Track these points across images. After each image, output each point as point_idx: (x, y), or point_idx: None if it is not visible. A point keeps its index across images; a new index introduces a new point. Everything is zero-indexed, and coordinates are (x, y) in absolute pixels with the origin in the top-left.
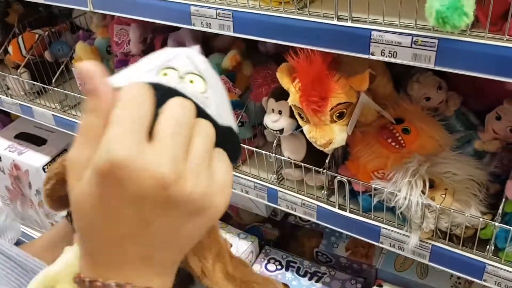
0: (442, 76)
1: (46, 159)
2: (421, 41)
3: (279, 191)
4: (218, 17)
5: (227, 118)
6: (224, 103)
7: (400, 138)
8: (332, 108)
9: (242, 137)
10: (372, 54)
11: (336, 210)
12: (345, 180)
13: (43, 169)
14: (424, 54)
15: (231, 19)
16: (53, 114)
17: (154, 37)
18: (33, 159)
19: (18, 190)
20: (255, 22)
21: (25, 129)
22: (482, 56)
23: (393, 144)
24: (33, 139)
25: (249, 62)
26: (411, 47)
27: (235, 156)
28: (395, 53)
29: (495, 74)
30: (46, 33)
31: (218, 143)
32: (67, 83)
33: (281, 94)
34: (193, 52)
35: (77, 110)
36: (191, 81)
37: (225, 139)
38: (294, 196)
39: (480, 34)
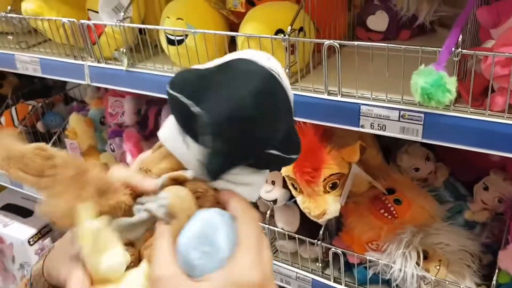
0: (430, 147)
1: (31, 231)
2: (408, 115)
3: (273, 264)
4: None
5: None
6: None
7: (392, 208)
8: (325, 179)
9: None
10: (362, 127)
11: (331, 283)
12: (340, 252)
13: (28, 242)
14: (411, 127)
15: None
16: None
17: (148, 109)
18: (19, 232)
19: (0, 264)
20: None
21: (12, 200)
22: (466, 130)
23: (386, 215)
24: (19, 211)
25: None
26: (399, 120)
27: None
28: (384, 126)
29: (479, 146)
30: (40, 104)
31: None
32: None
33: None
34: None
35: None
36: None
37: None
38: (288, 269)
39: (463, 109)
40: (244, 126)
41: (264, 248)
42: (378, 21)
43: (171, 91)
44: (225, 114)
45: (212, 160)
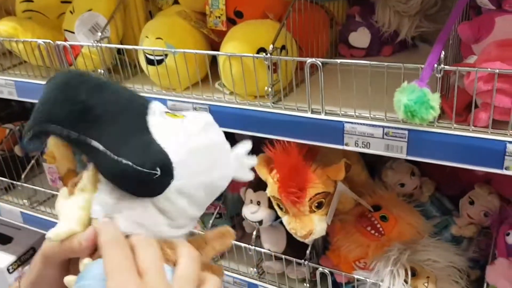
0: (415, 162)
1: (11, 259)
2: (392, 132)
3: (260, 285)
4: (194, 111)
5: None
6: None
7: (379, 225)
8: (310, 198)
9: None
10: (346, 145)
11: None
12: (327, 272)
13: (8, 270)
14: (396, 144)
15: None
16: (21, 211)
17: None
18: None
19: None
20: (232, 115)
21: None
22: (450, 146)
23: (373, 232)
24: None
25: None
26: (383, 138)
27: None
28: (368, 143)
29: (464, 162)
30: (17, 127)
31: None
32: (37, 178)
33: (259, 185)
34: None
35: (47, 206)
36: None
37: None
38: None
39: (447, 125)
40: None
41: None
42: (360, 37)
43: None
44: None
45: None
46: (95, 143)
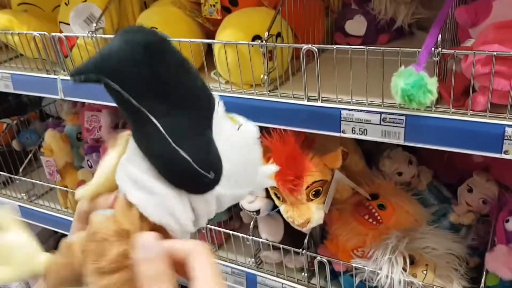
0: (412, 151)
1: None
2: (390, 118)
3: (258, 275)
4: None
5: None
6: None
7: (376, 214)
8: (308, 187)
9: (217, 220)
10: (343, 132)
11: None
12: (325, 261)
13: None
14: (393, 130)
15: None
16: (19, 205)
17: (126, 123)
18: None
19: None
20: (228, 104)
21: None
22: (448, 131)
23: (370, 220)
24: None
25: None
26: (380, 124)
27: None
28: (365, 130)
29: (462, 147)
30: (15, 122)
31: None
32: (35, 172)
33: None
34: None
35: (45, 199)
36: None
37: None
38: (274, 281)
39: (445, 110)
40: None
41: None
42: (356, 25)
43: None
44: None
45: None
46: (156, 122)
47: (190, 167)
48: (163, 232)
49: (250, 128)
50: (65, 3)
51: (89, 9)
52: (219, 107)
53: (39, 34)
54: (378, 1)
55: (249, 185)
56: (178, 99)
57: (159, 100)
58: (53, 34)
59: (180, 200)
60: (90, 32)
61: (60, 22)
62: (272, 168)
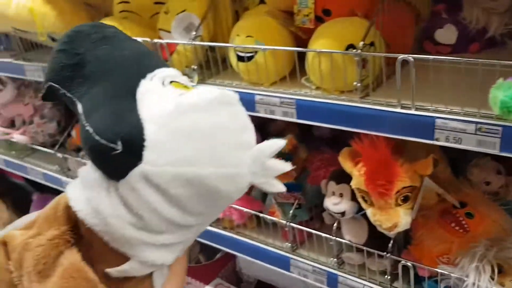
0: (501, 160)
1: None
2: (485, 128)
3: (339, 275)
4: (281, 104)
5: None
6: None
7: (464, 222)
8: (397, 192)
9: (299, 219)
10: (437, 140)
11: None
12: (410, 265)
13: None
14: (488, 140)
15: (294, 107)
16: None
17: None
18: None
19: None
20: (317, 110)
21: None
22: None
23: (457, 228)
24: None
25: (303, 145)
26: (475, 133)
27: None
28: (460, 139)
29: None
30: None
31: None
32: None
33: (342, 177)
34: None
35: None
36: None
37: None
38: (355, 281)
39: None
40: None
41: None
42: (447, 34)
43: None
44: None
45: None
46: (78, 104)
47: (92, 140)
48: (96, 242)
49: (208, 92)
50: (165, 12)
51: (189, 18)
52: (158, 74)
53: (143, 40)
54: (470, 11)
55: (213, 162)
56: (98, 73)
57: (82, 81)
58: (155, 40)
59: (108, 193)
60: (190, 40)
61: (159, 29)
62: (279, 142)
